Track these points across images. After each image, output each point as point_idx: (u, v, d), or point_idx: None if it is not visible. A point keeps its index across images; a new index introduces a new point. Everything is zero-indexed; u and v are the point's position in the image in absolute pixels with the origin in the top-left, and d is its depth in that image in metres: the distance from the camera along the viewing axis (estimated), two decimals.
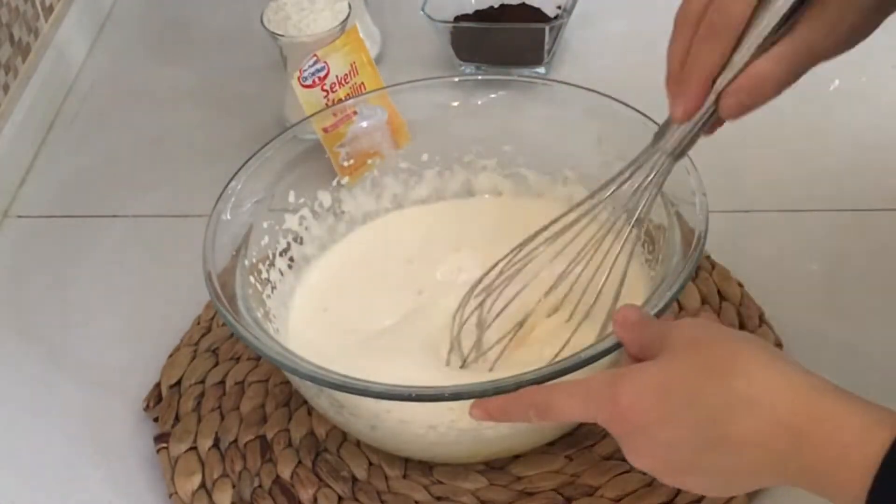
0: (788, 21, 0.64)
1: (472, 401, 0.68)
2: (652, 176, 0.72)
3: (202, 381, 0.87)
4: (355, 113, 0.90)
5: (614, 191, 0.74)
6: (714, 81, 0.66)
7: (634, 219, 0.73)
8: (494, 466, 0.79)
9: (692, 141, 0.70)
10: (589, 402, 0.63)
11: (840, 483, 0.56)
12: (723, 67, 0.66)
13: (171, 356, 0.89)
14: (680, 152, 0.71)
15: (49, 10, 1.20)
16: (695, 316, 0.85)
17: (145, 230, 1.04)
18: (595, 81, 0.87)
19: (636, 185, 0.72)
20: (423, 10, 1.14)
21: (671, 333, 0.63)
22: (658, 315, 0.70)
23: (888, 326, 0.88)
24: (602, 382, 0.63)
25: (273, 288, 0.84)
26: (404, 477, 0.79)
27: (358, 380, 0.70)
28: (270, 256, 0.85)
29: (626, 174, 0.73)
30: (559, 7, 1.16)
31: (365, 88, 0.95)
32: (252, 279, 0.81)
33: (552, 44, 1.13)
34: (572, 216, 0.76)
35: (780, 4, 0.64)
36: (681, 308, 0.88)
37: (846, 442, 0.56)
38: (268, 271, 0.84)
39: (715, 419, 0.59)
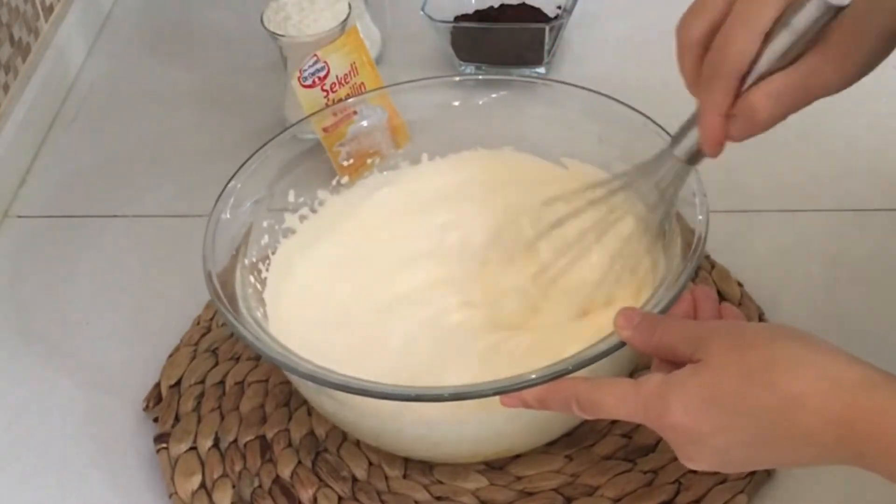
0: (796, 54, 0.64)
1: (464, 401, 0.68)
2: (669, 180, 0.73)
3: (202, 382, 0.87)
4: (355, 113, 0.90)
5: (629, 190, 0.76)
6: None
7: (657, 225, 0.76)
8: (494, 466, 0.79)
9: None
10: (638, 410, 0.64)
11: (894, 469, 0.57)
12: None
13: (170, 356, 0.89)
14: (695, 160, 0.72)
15: (49, 10, 1.20)
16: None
17: (145, 230, 1.04)
18: (595, 81, 0.87)
19: (654, 189, 0.74)
20: (423, 10, 1.14)
21: (707, 338, 0.64)
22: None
23: (888, 326, 0.88)
24: (652, 393, 0.63)
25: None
26: (404, 477, 0.79)
27: (358, 379, 0.70)
28: (270, 255, 0.85)
29: (642, 177, 0.74)
30: (559, 7, 1.16)
31: (365, 88, 0.95)
32: (252, 278, 0.81)
33: (552, 44, 1.13)
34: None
35: (779, 44, 0.63)
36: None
37: (893, 432, 0.57)
38: (267, 270, 0.84)
39: (766, 423, 0.60)
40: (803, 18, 0.62)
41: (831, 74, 0.64)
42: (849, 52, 0.64)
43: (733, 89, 0.65)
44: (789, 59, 0.64)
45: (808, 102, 0.65)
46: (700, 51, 0.66)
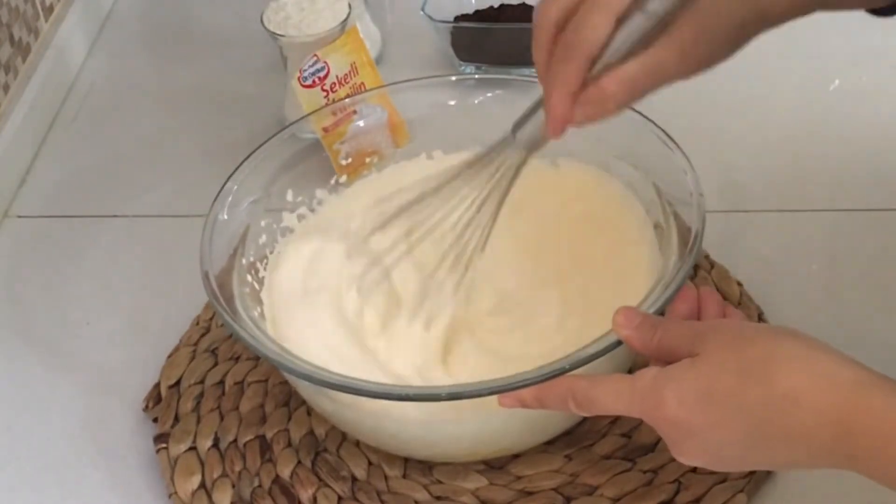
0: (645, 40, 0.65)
1: (465, 400, 0.68)
2: (507, 166, 0.73)
3: (201, 382, 0.87)
4: (355, 112, 0.90)
5: (469, 176, 0.76)
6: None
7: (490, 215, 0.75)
8: (494, 466, 0.79)
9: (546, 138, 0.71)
10: (633, 405, 0.64)
11: (887, 471, 0.57)
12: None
13: (170, 356, 0.89)
14: (535, 147, 0.72)
15: (49, 10, 1.20)
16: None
17: (144, 230, 1.04)
18: None
19: (490, 175, 0.74)
20: (423, 10, 1.14)
21: (706, 335, 0.64)
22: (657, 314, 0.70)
23: (888, 326, 0.88)
24: (647, 386, 0.64)
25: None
26: (404, 476, 0.79)
27: (355, 379, 0.70)
28: (268, 255, 0.85)
29: (480, 165, 0.75)
30: None
31: (365, 88, 0.95)
32: (250, 278, 0.81)
33: None
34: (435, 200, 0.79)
35: (632, 28, 0.65)
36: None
37: (888, 433, 0.57)
38: (265, 270, 0.84)
39: (760, 419, 0.60)
40: (657, 4, 0.64)
41: (674, 66, 0.66)
42: (691, 49, 0.66)
43: (584, 70, 0.65)
44: (642, 44, 0.65)
45: (655, 90, 0.67)
46: (554, 32, 0.66)
